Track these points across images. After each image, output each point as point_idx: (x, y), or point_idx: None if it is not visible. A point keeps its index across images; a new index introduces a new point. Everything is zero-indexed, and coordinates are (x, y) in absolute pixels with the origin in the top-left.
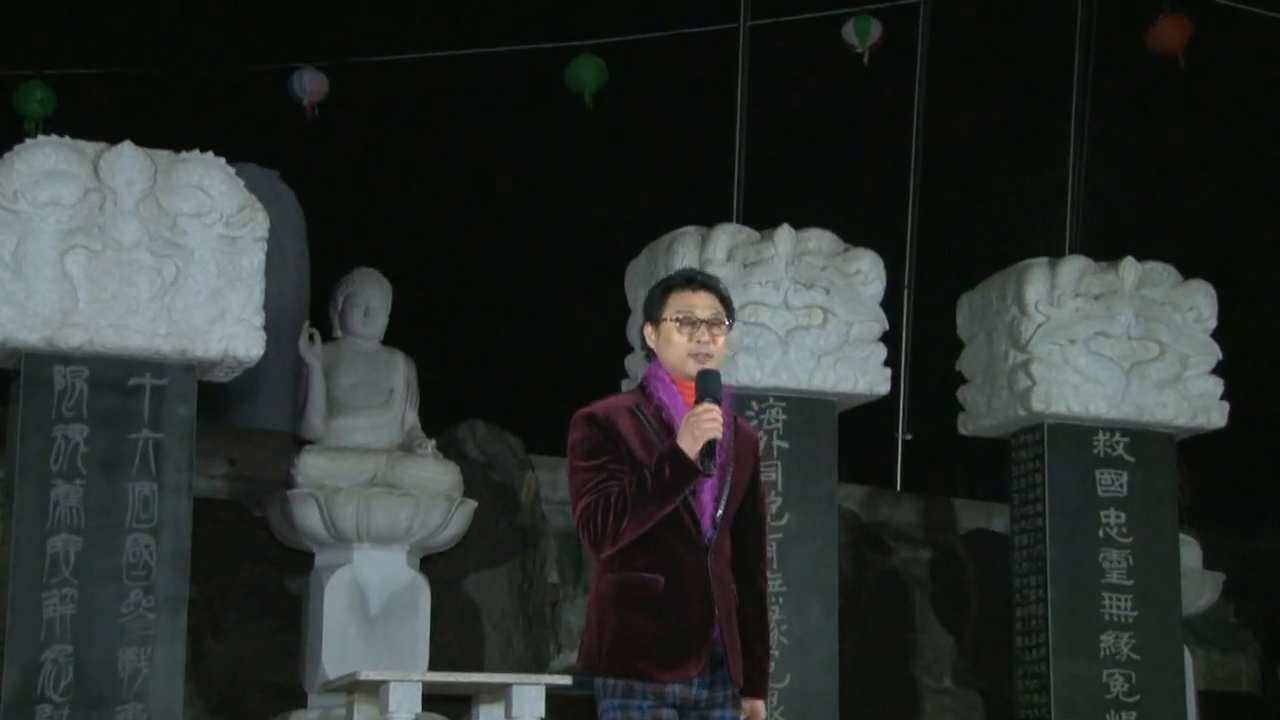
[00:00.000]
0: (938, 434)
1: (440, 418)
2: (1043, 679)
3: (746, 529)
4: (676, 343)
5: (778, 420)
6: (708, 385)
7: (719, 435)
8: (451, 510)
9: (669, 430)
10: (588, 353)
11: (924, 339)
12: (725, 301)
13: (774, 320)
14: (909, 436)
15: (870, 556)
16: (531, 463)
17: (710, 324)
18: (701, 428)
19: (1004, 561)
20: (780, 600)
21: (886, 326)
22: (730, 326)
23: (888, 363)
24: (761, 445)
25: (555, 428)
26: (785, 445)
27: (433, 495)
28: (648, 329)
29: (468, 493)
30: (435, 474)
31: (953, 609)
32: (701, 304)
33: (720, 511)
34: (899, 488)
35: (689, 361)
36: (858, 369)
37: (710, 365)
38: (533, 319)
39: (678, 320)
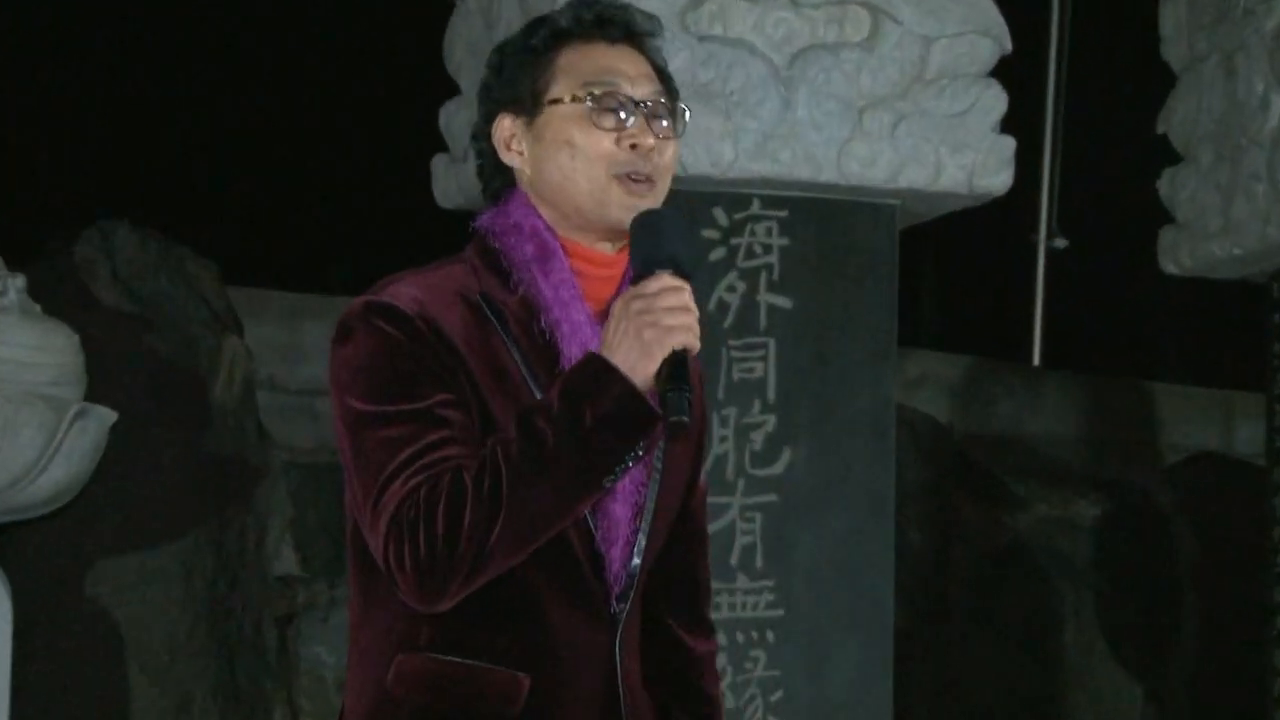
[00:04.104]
0: (1117, 271)
1: (41, 222)
2: None
3: (678, 554)
4: (590, 149)
5: (768, 247)
6: (661, 239)
7: (695, 342)
8: (62, 426)
9: (549, 353)
10: (353, 108)
11: (1088, 69)
12: (665, 77)
13: (764, 35)
14: (1063, 243)
15: (971, 512)
16: (236, 313)
17: (653, 112)
18: (661, 322)
19: (1255, 525)
20: (770, 636)
21: (1008, 47)
22: (683, 126)
23: (1009, 125)
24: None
25: (286, 244)
26: (784, 303)
27: (18, 396)
28: (503, 126)
29: (98, 387)
30: (25, 346)
31: (1145, 623)
32: (633, 70)
33: (642, 543)
34: (1037, 361)
35: (611, 194)
36: (946, 139)
37: (649, 202)
38: (247, 42)
39: (593, 99)
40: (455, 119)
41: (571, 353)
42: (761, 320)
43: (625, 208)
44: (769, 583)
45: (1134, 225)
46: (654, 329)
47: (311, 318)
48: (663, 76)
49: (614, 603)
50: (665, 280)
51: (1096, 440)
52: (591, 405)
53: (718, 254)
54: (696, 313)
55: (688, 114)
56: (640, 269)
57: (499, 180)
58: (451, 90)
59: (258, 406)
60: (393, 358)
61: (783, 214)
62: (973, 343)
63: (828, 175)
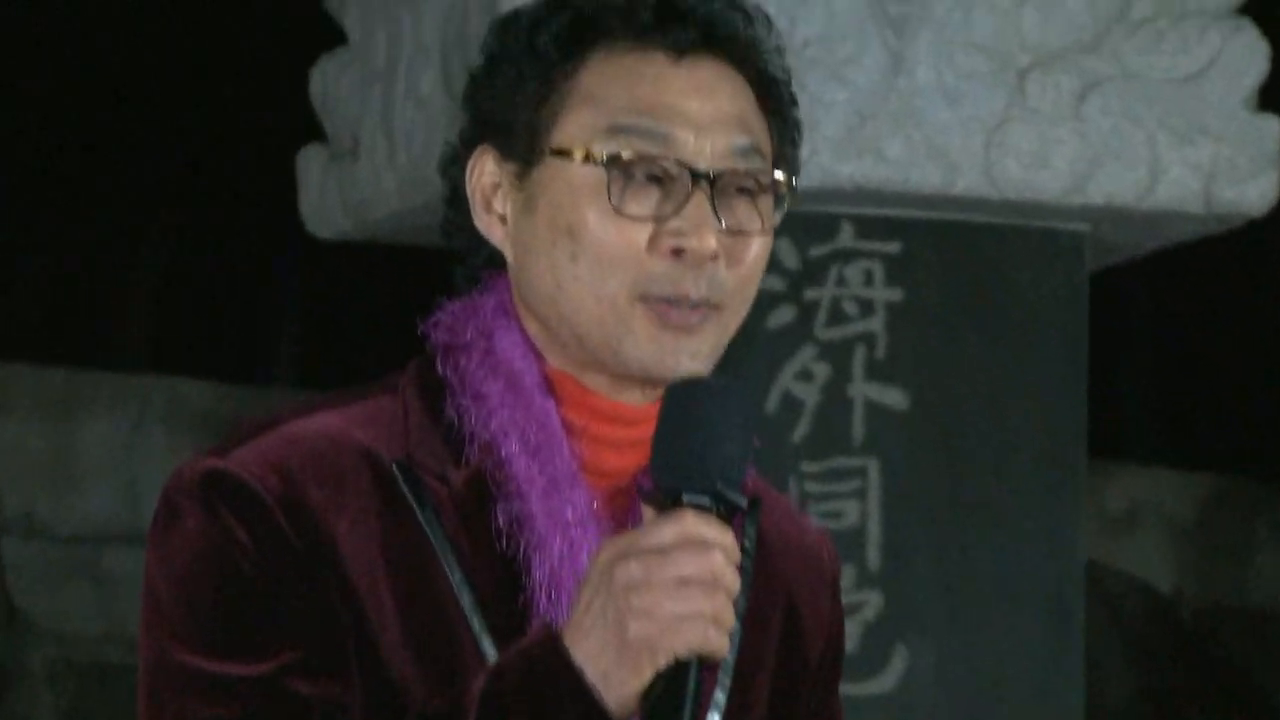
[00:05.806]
0: None
1: None
2: None
3: None
4: (606, 249)
5: (868, 304)
6: (701, 435)
7: (718, 644)
8: None
9: (509, 569)
10: (177, 68)
11: None
12: (774, 109)
13: None
14: None
15: None
16: None
17: (727, 187)
18: (660, 609)
19: None
20: None
21: None
22: (790, 194)
23: (1274, 96)
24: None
25: (52, 290)
26: (896, 401)
27: None
28: (483, 166)
29: None
30: None
31: None
32: (702, 110)
33: None
34: None
35: (635, 326)
36: (1166, 119)
37: (699, 342)
38: None
39: (616, 164)
40: (336, 84)
41: (542, 573)
42: (857, 429)
43: (656, 347)
44: None
45: None
46: (646, 621)
47: (95, 412)
48: (770, 110)
49: None
50: (686, 527)
51: None
52: None
53: (782, 318)
54: (733, 582)
55: (793, 182)
56: (657, 488)
57: (478, 252)
58: (332, 39)
59: (4, 566)
60: (225, 576)
61: (893, 247)
62: (1216, 455)
63: (968, 181)
